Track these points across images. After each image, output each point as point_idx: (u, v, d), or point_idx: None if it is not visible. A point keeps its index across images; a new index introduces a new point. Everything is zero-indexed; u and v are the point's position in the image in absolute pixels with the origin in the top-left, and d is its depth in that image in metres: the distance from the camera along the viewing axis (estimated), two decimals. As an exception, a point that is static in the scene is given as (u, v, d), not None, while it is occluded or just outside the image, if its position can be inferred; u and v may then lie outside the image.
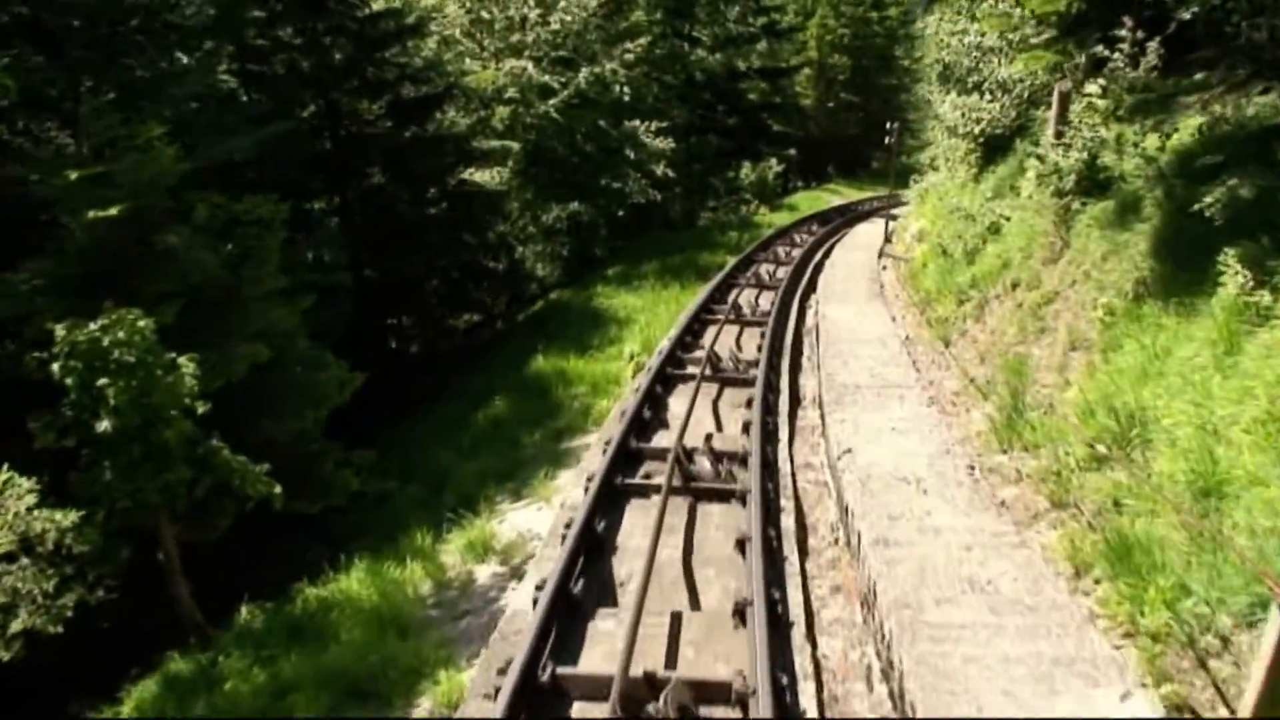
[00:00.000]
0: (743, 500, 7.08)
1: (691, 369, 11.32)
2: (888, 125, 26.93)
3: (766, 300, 16.18)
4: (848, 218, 32.58)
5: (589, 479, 7.42)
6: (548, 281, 28.78)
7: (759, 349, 12.08)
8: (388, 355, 20.69)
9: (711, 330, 13.15)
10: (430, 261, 22.14)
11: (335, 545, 11.21)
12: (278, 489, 9.47)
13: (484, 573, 8.84)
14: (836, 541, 7.29)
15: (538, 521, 9.45)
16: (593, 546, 6.50)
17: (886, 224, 24.98)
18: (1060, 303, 11.68)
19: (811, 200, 47.51)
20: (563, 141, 24.17)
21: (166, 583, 9.35)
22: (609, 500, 7.26)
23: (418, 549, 9.42)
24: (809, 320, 14.94)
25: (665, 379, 11.12)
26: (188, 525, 9.47)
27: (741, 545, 6.31)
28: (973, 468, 7.87)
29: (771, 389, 10.46)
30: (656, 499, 6.69)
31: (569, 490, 9.12)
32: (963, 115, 17.31)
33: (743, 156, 38.95)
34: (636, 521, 7.00)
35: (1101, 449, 7.06)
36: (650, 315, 19.54)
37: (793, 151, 45.07)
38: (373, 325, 20.44)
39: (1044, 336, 11.38)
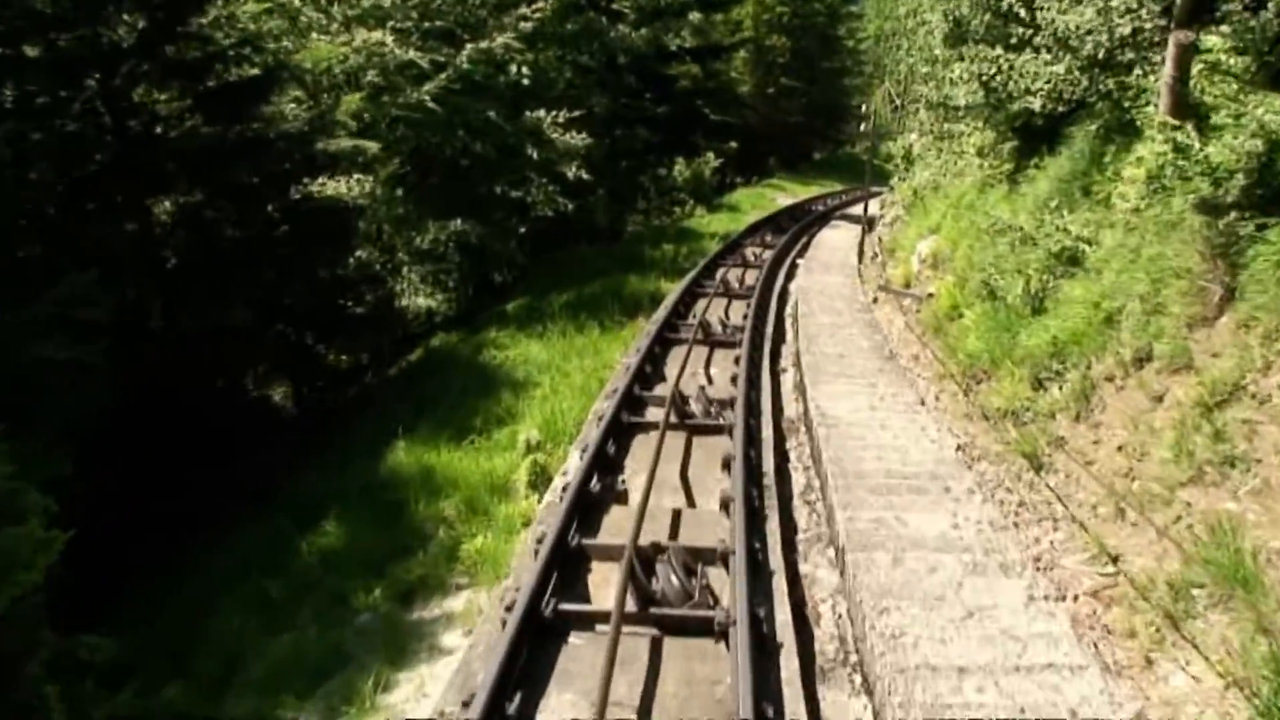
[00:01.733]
0: None
1: (609, 539, 5.98)
2: (863, 108, 21.57)
3: (723, 369, 10.77)
4: (803, 222, 27.36)
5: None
6: (439, 316, 23.00)
7: (724, 503, 6.57)
8: (185, 445, 14.76)
9: (642, 446, 7.74)
10: (267, 305, 16.30)
11: None
12: None
13: None
14: None
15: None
16: None
17: (863, 235, 19.79)
18: (1250, 404, 6.55)
19: (754, 199, 42.28)
20: (445, 139, 18.41)
21: None
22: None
23: None
24: (793, 414, 9.53)
25: (567, 558, 5.76)
26: None
27: None
28: None
29: (762, 645, 4.93)
30: None
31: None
32: (988, 86, 12.04)
33: (675, 151, 33.51)
34: None
35: None
36: (558, 376, 14.02)
37: (733, 145, 39.81)
38: (164, 403, 14.53)
39: (1242, 475, 6.22)
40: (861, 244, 19.51)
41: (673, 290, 17.37)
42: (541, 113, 19.83)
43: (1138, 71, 9.75)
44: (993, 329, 9.66)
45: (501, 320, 18.06)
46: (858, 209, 34.80)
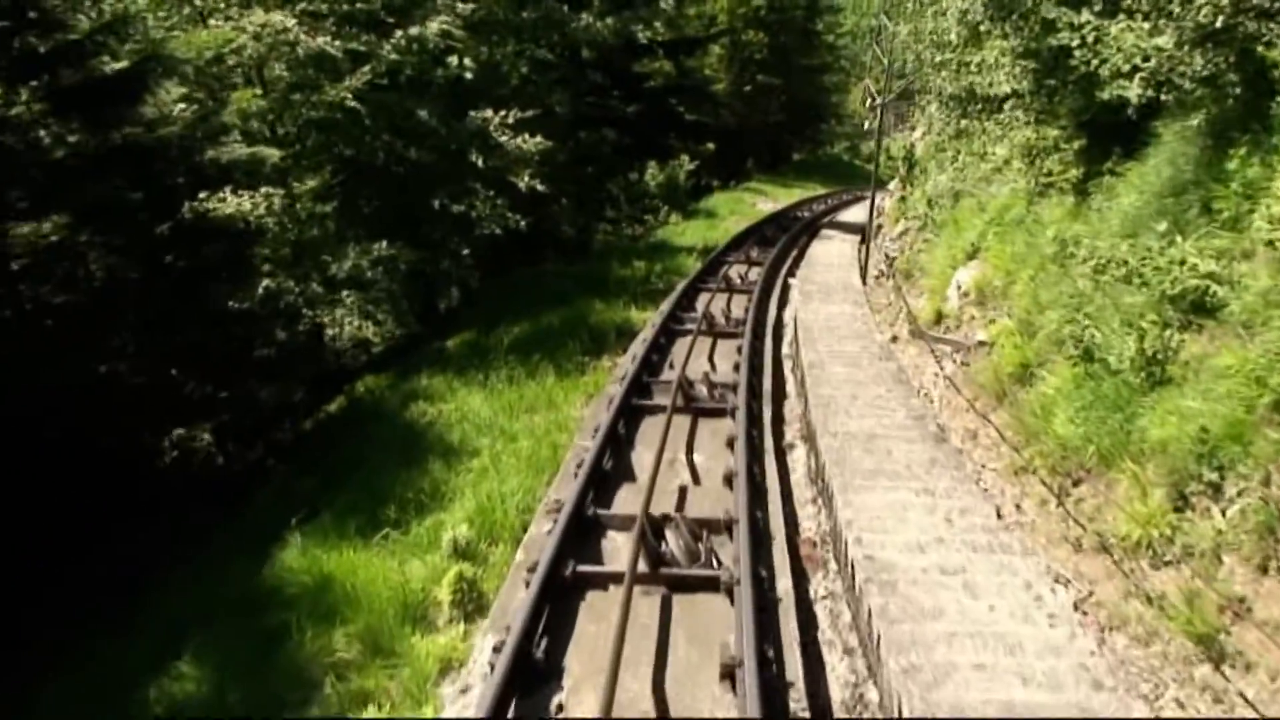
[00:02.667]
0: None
1: None
2: (870, 97, 18.56)
3: (711, 455, 7.88)
4: (791, 232, 24.51)
5: None
6: (378, 347, 19.97)
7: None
8: (47, 529, 11.65)
9: (599, 624, 4.86)
10: (154, 347, 13.33)
11: None
12: None
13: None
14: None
15: None
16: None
17: (865, 254, 16.95)
18: None
19: (733, 204, 39.43)
20: (370, 145, 15.40)
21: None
22: None
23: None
24: (812, 532, 6.64)
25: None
26: None
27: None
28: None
29: None
30: None
31: None
32: (1053, 67, 9.21)
33: (647, 154, 30.60)
34: None
35: None
36: (501, 441, 11.16)
37: (710, 146, 36.98)
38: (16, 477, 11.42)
39: None
40: (864, 263, 16.69)
41: (646, 325, 14.49)
42: (489, 113, 16.84)
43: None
44: (1094, 405, 6.79)
45: (440, 360, 15.06)
46: (848, 215, 32.03)
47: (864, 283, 16.65)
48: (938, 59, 16.12)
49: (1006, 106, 11.67)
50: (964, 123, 15.89)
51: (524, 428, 11.64)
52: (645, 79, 31.18)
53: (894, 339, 11.93)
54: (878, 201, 36.31)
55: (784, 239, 22.44)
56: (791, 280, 17.82)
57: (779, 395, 10.25)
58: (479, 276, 22.83)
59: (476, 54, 17.52)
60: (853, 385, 9.22)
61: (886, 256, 16.53)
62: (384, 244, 14.40)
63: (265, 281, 14.65)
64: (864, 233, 26.01)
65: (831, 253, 20.63)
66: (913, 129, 22.38)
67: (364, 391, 15.23)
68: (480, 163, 16.04)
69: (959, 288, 10.08)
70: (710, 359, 11.44)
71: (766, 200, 41.17)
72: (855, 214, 31.81)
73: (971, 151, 15.48)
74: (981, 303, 9.54)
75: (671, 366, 11.07)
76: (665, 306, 14.41)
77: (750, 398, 9.06)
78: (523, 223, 16.84)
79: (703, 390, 9.47)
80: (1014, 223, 10.64)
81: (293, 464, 13.35)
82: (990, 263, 9.92)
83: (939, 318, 11.04)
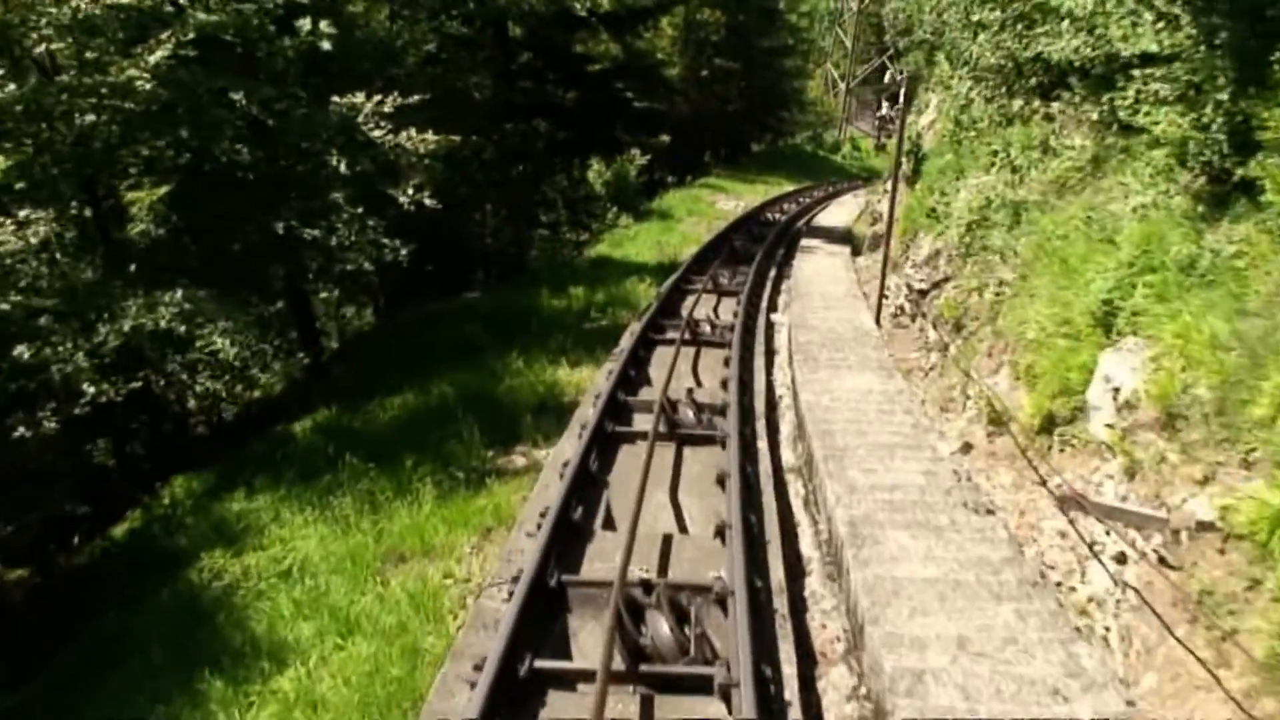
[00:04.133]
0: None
1: None
2: (894, 74, 13.43)
3: None
4: (765, 242, 19.98)
5: None
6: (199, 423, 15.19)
7: None
8: None
9: None
10: None
11: None
12: None
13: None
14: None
15: None
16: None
17: (880, 287, 12.43)
18: None
19: (690, 203, 34.88)
20: (173, 146, 10.61)
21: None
22: None
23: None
24: None
25: None
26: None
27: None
28: None
29: None
30: None
31: None
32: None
33: (590, 149, 25.88)
34: None
35: None
36: (329, 649, 6.65)
37: (665, 138, 32.45)
38: None
39: None
40: (879, 299, 12.20)
41: (581, 394, 9.98)
42: (358, 98, 12.10)
43: None
44: None
45: (276, 460, 10.35)
46: (827, 218, 27.55)
47: (877, 323, 12.22)
48: (976, 16, 11.73)
49: (1140, 75, 7.25)
50: (1015, 103, 11.53)
51: (373, 605, 7.10)
52: (587, 60, 26.43)
53: (965, 448, 7.47)
54: (863, 201, 32.07)
55: (758, 254, 17.92)
56: (778, 319, 13.34)
57: (799, 608, 5.74)
58: (382, 306, 18.27)
59: (343, 19, 12.79)
60: (946, 605, 4.74)
61: (909, 287, 12.11)
62: (178, 293, 9.59)
63: (20, 349, 9.82)
64: (852, 242, 21.66)
65: (822, 273, 16.14)
66: (917, 112, 18.06)
67: (165, 508, 10.44)
68: (343, 167, 11.30)
69: (1113, 391, 5.66)
70: (675, 500, 6.92)
71: (728, 198, 36.70)
72: (836, 216, 27.40)
73: (1029, 144, 11.14)
74: (1174, 429, 5.13)
75: (610, 522, 6.54)
76: (609, 373, 9.84)
77: (754, 636, 4.57)
78: (404, 253, 12.09)
79: (671, 573, 4.96)
80: (1182, 267, 6.23)
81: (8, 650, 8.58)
82: (1173, 350, 5.48)
83: (1051, 422, 6.60)
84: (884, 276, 12.09)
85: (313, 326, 16.64)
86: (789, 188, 39.38)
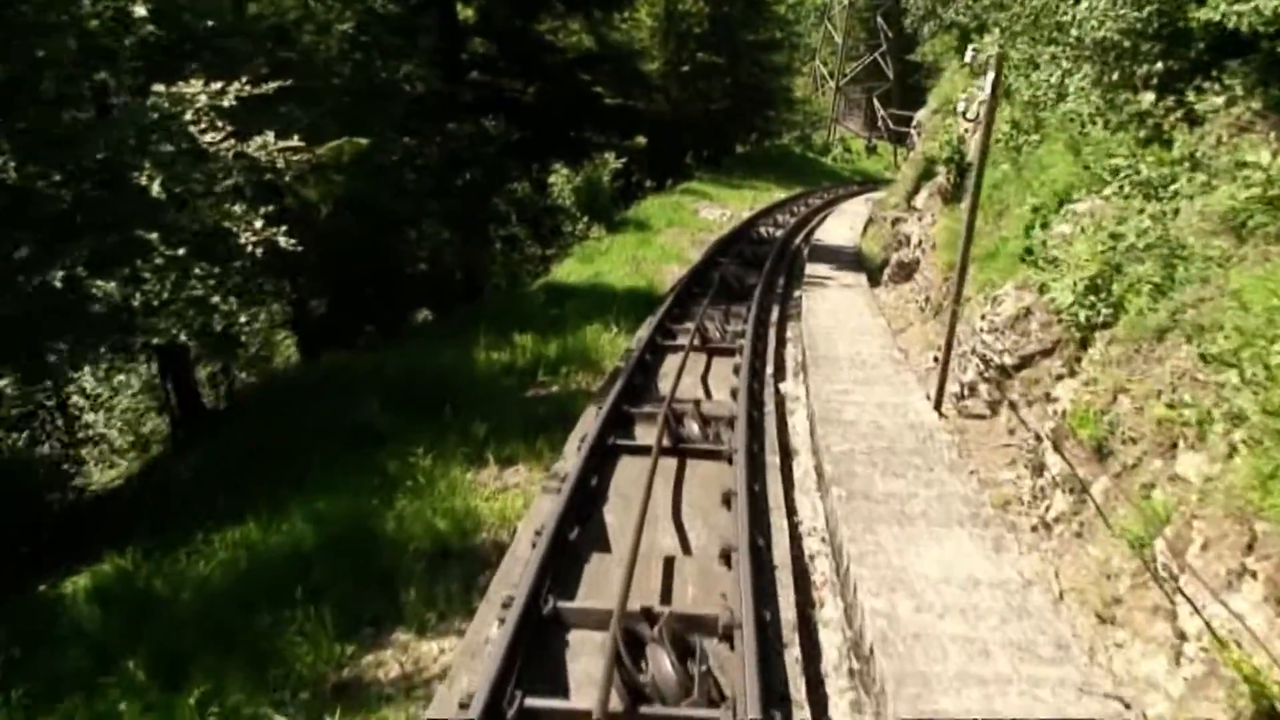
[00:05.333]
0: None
1: None
2: (976, 50, 10.00)
3: None
4: (762, 271, 16.26)
5: None
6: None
7: None
8: None
9: None
10: None
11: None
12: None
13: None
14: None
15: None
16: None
17: (941, 380, 8.67)
18: None
19: (671, 212, 31.17)
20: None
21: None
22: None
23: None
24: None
25: None
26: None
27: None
28: None
29: None
30: None
31: None
32: None
33: (555, 152, 22.05)
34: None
35: None
36: None
37: (640, 140, 28.80)
38: None
39: None
40: (941, 374, 8.49)
41: (495, 587, 6.19)
42: (192, 87, 8.31)
43: None
44: None
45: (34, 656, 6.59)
46: (830, 233, 23.83)
47: (937, 408, 8.55)
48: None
49: None
50: (1145, 98, 7.91)
51: None
52: (551, 49, 22.50)
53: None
54: (864, 209, 28.42)
55: (756, 286, 14.21)
56: (790, 392, 9.66)
57: None
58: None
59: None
60: None
61: (983, 359, 8.44)
62: None
63: None
64: (865, 266, 18.02)
65: (842, 318, 12.39)
66: (960, 112, 14.40)
67: None
68: (156, 187, 7.51)
69: None
70: None
71: (712, 206, 33.04)
72: (839, 231, 23.76)
73: (1167, 160, 7.54)
74: None
75: None
76: (536, 534, 6.10)
77: None
78: (243, 327, 8.31)
79: None
80: None
81: None
82: None
83: None
84: (949, 346, 8.39)
85: (189, 389, 12.85)
86: (779, 194, 35.73)
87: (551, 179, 28.46)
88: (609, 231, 29.35)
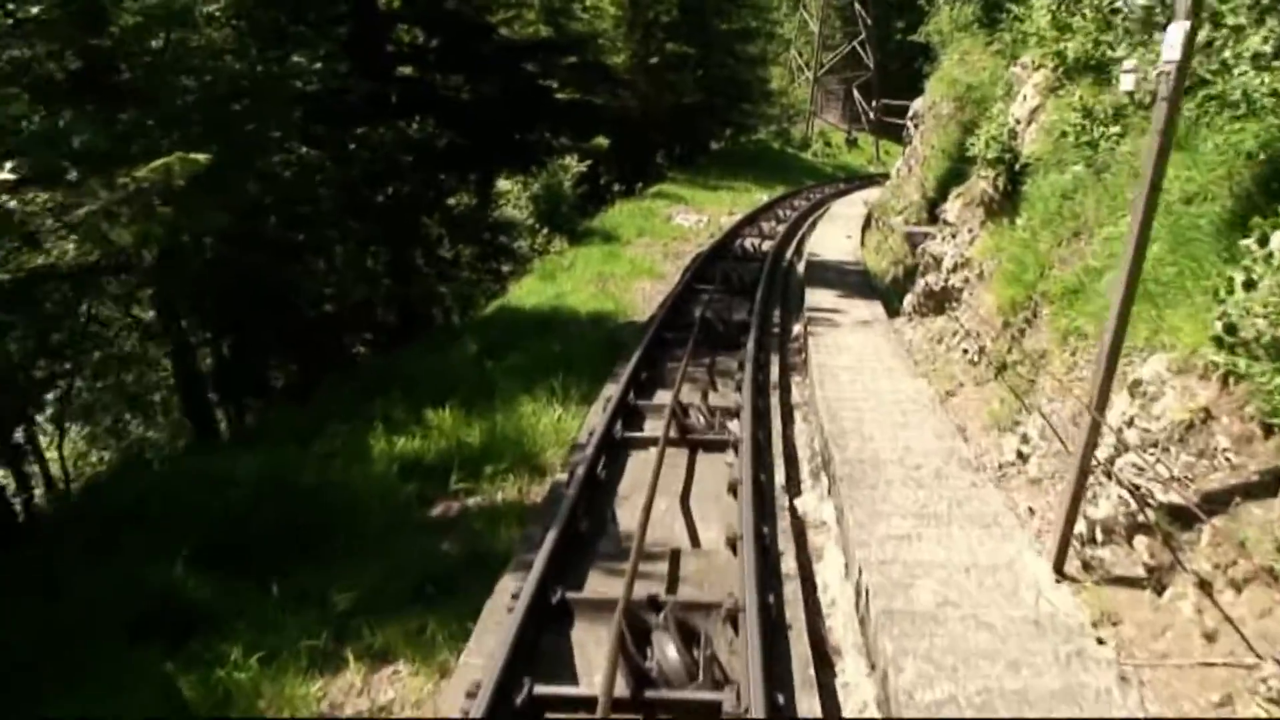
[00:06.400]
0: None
1: None
2: None
3: None
4: (751, 305, 13.06)
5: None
6: None
7: None
8: None
9: None
10: None
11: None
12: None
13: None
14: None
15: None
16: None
17: (1065, 527, 5.44)
18: None
19: (642, 219, 27.92)
20: None
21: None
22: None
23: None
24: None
25: None
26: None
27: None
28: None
29: None
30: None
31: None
32: None
33: (499, 161, 18.62)
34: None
35: None
36: None
37: (602, 141, 25.55)
38: None
39: None
40: (1069, 522, 5.29)
41: None
42: None
43: None
44: None
45: None
46: (822, 243, 20.56)
47: (1059, 573, 5.31)
48: None
49: None
50: None
51: None
52: (491, 36, 18.91)
53: None
54: (858, 211, 25.15)
55: (747, 332, 10.97)
56: (824, 566, 6.37)
57: None
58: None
59: None
60: None
61: (1129, 487, 5.24)
62: None
63: None
64: (875, 288, 14.80)
65: (876, 390, 8.94)
66: (1007, 93, 11.12)
67: None
68: None
69: None
70: None
71: (687, 211, 29.82)
72: (835, 241, 20.49)
73: None
74: None
75: None
76: None
77: None
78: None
79: None
80: None
81: None
82: None
83: None
84: (1083, 474, 5.15)
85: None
86: (760, 195, 32.52)
87: (506, 186, 25.17)
88: (573, 244, 26.13)
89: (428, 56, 16.78)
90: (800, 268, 17.37)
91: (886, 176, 40.68)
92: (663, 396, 8.70)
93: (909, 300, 12.72)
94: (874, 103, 45.82)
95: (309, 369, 18.42)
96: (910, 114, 24.94)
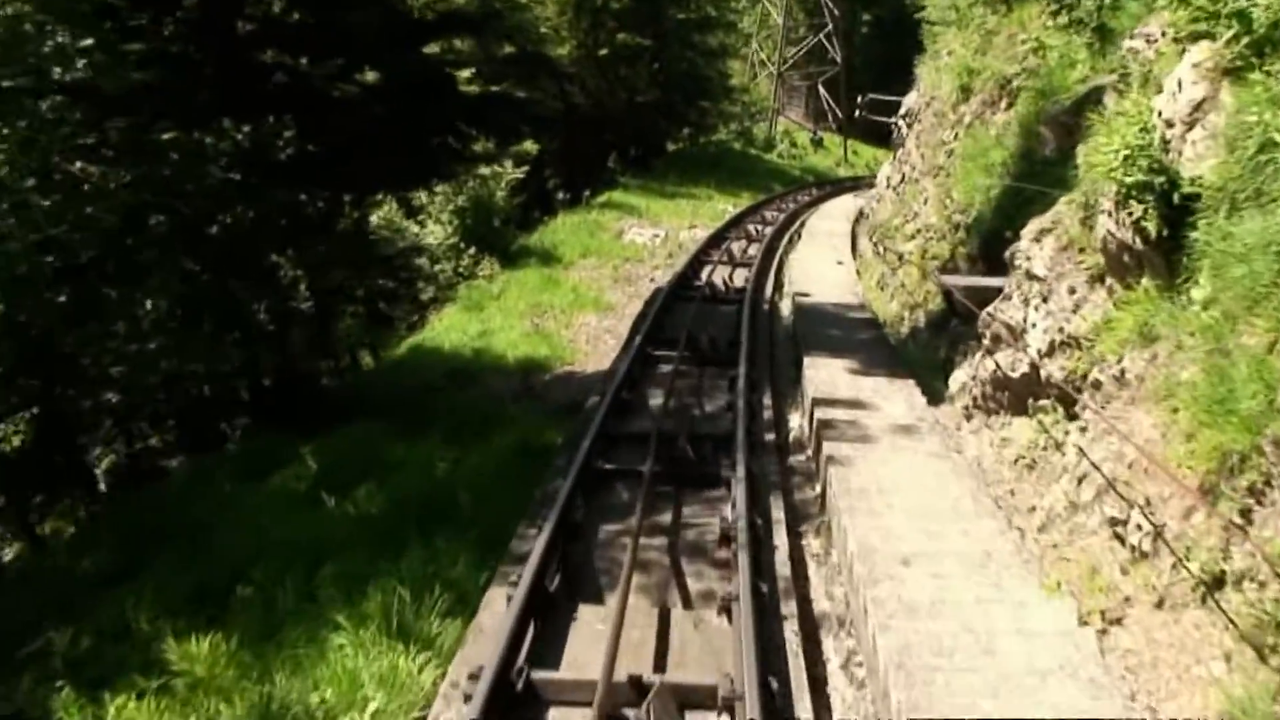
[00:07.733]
0: None
1: None
2: None
3: None
4: (733, 383, 9.01)
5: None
6: None
7: None
8: None
9: None
10: None
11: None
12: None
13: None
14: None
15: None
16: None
17: None
18: None
19: (588, 235, 23.80)
20: None
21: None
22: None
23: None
24: None
25: None
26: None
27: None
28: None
29: None
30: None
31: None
32: None
33: (382, 178, 14.13)
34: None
35: None
36: None
37: (529, 146, 21.38)
38: None
39: None
40: None
41: None
42: None
43: None
44: None
45: None
46: (809, 278, 15.80)
47: None
48: None
49: None
50: None
51: None
52: (369, 6, 14.22)
53: None
54: (845, 227, 21.03)
55: (735, 452, 6.92)
56: None
57: None
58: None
59: None
60: None
61: None
62: None
63: None
64: (891, 349, 10.72)
65: (975, 625, 4.92)
66: (1114, 87, 7.04)
67: None
68: None
69: None
70: None
71: (641, 225, 25.78)
72: (824, 274, 16.15)
73: None
74: None
75: None
76: None
77: None
78: None
79: None
80: None
81: None
82: None
83: None
84: None
85: None
86: (725, 205, 28.49)
87: (424, 199, 21.00)
88: (505, 266, 22.04)
89: (286, 32, 12.40)
90: (786, 311, 13.30)
91: (860, 180, 36.94)
92: (588, 623, 4.54)
93: (963, 382, 8.65)
94: (860, 98, 41.86)
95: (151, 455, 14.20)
96: (902, 112, 21.08)
